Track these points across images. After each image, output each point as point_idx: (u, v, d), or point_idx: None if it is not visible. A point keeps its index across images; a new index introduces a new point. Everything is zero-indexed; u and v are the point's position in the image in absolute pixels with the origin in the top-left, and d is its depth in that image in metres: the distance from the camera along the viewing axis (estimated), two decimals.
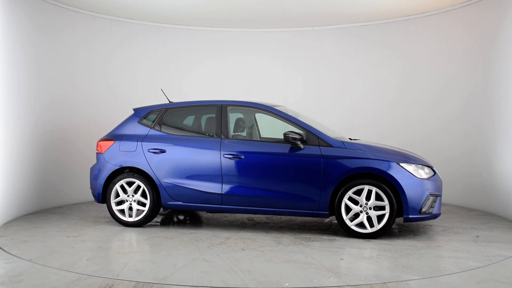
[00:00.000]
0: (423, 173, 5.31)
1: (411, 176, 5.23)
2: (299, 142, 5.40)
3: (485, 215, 6.65)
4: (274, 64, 9.13)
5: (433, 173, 5.43)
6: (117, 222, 6.02)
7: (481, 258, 4.48)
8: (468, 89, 7.50)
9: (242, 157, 5.61)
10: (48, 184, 7.18)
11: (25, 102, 6.62)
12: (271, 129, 6.41)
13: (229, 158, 5.64)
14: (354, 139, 6.26)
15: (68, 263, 4.29)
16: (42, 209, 7.01)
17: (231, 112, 5.96)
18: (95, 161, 6.32)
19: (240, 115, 6.12)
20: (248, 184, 5.59)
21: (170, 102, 6.38)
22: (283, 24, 8.88)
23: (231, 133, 5.82)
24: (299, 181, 5.43)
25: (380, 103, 8.62)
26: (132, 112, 6.43)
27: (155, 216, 6.03)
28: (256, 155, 5.60)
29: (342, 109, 8.82)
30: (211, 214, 6.73)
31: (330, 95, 8.92)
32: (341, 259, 4.47)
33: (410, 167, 5.27)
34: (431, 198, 5.27)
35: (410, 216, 5.18)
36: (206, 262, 4.37)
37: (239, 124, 6.06)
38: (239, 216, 6.59)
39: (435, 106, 8.02)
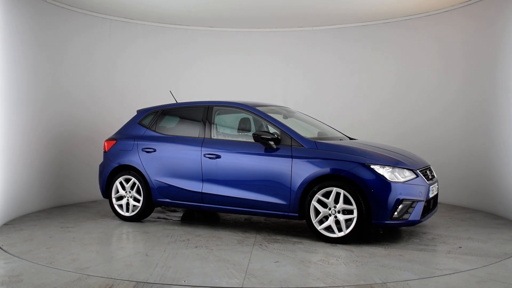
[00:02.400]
0: (399, 176, 4.96)
1: (381, 179, 4.88)
2: (271, 142, 5.33)
3: (485, 215, 6.65)
4: (274, 64, 9.12)
5: (414, 176, 5.05)
6: (117, 216, 6.38)
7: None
8: (468, 89, 7.45)
9: (220, 157, 5.65)
10: (49, 184, 7.18)
11: (25, 102, 6.61)
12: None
13: (208, 157, 5.70)
14: (352, 139, 6.32)
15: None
16: (42, 209, 7.00)
17: (218, 114, 6.02)
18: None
19: (245, 115, 6.04)
20: (225, 184, 5.61)
21: (176, 102, 6.52)
22: (283, 24, 8.87)
23: (214, 133, 5.87)
24: (271, 182, 5.32)
25: (380, 102, 8.65)
26: (135, 113, 6.77)
27: (151, 212, 6.30)
28: (232, 155, 5.60)
29: (342, 109, 8.85)
30: (227, 214, 6.77)
31: (330, 94, 8.95)
32: (276, 261, 4.37)
33: (381, 170, 4.93)
34: (406, 203, 4.91)
35: (378, 221, 4.87)
36: (142, 256, 4.55)
37: (244, 123, 5.98)
38: (241, 216, 6.60)
39: (435, 106, 8.04)
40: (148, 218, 6.46)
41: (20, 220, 6.22)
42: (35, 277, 3.92)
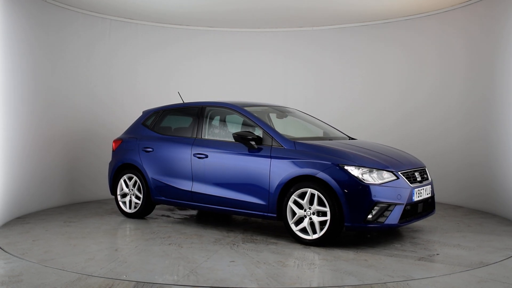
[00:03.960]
0: (375, 178, 4.80)
1: (355, 180, 4.74)
2: (252, 142, 5.33)
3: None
4: (274, 64, 9.15)
5: (393, 178, 4.87)
6: (121, 213, 6.67)
7: (449, 266, 4.31)
8: (468, 89, 7.39)
9: (207, 157, 5.73)
10: (50, 184, 7.26)
11: (26, 102, 6.65)
12: (288, 128, 6.41)
13: (197, 157, 5.80)
14: (352, 138, 6.25)
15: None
16: (42, 209, 7.06)
17: (209, 114, 6.11)
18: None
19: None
20: (212, 183, 5.68)
21: (182, 103, 6.70)
22: (283, 24, 8.87)
23: (206, 133, 5.97)
24: (252, 182, 5.32)
25: (380, 102, 8.58)
26: (140, 113, 7.07)
27: (152, 209, 6.53)
28: (219, 154, 5.66)
29: (342, 108, 8.82)
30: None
31: (330, 94, 8.93)
32: (231, 261, 4.39)
33: (356, 171, 4.79)
34: (381, 206, 4.72)
35: (351, 224, 4.73)
36: (110, 251, 4.76)
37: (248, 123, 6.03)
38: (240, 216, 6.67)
39: (436, 106, 7.94)
40: (153, 215, 6.69)
41: (20, 220, 6.28)
42: (35, 277, 3.94)
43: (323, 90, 8.98)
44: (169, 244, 5.04)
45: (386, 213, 4.76)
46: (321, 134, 6.21)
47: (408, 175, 5.10)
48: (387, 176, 4.87)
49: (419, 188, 5.12)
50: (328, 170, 4.85)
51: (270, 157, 5.24)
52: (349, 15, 8.21)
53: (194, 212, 6.99)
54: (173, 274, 4.02)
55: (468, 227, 5.98)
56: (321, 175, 4.85)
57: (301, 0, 7.42)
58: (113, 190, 6.72)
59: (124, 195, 6.61)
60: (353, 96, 8.80)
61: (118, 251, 4.78)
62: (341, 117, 8.60)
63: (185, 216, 6.69)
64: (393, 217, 4.78)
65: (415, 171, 5.28)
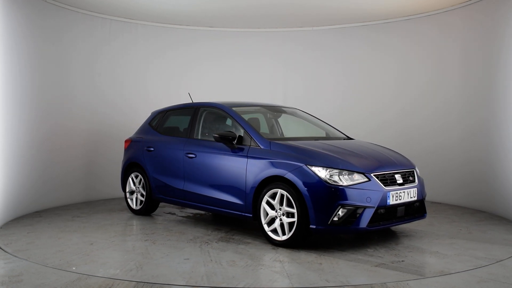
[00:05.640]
0: (345, 179, 4.66)
1: (320, 181, 4.63)
2: (234, 142, 5.37)
3: (484, 215, 6.26)
4: (274, 64, 9.13)
5: (364, 180, 4.71)
6: (129, 210, 6.99)
7: (444, 267, 4.20)
8: (468, 89, 7.36)
9: (196, 156, 5.84)
10: (50, 184, 7.27)
11: (26, 101, 6.64)
12: (295, 128, 6.53)
13: (188, 157, 5.93)
14: (349, 138, 6.16)
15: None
16: (42, 209, 7.10)
17: (203, 114, 6.20)
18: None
19: (254, 115, 6.15)
20: (199, 182, 5.80)
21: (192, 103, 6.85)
22: (283, 24, 8.84)
23: (199, 133, 6.09)
24: (231, 181, 5.38)
25: (380, 102, 8.54)
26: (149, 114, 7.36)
27: (155, 206, 6.78)
28: (205, 154, 5.75)
29: (342, 108, 8.77)
30: None
31: (330, 94, 8.88)
32: (186, 258, 4.48)
33: (323, 172, 4.68)
34: (348, 209, 4.57)
35: (317, 226, 4.62)
36: (84, 244, 4.99)
37: (252, 123, 5.98)
38: None
39: (434, 105, 7.91)
40: (161, 213, 6.91)
41: (20, 221, 6.30)
42: (35, 277, 3.96)
43: (323, 89, 8.97)
44: (145, 240, 5.24)
45: (354, 216, 4.60)
46: (317, 134, 6.16)
47: (384, 177, 4.87)
48: (357, 178, 4.72)
49: (399, 191, 4.87)
50: (296, 171, 4.79)
51: (247, 157, 5.26)
52: (349, 15, 8.14)
53: (202, 211, 7.12)
54: (117, 268, 4.20)
55: (469, 233, 5.65)
56: (289, 175, 4.81)
57: (301, 0, 7.36)
58: (123, 188, 7.04)
59: (132, 192, 6.90)
60: (353, 95, 8.79)
61: (93, 245, 5.03)
62: (341, 115, 8.61)
63: (189, 214, 6.85)
64: (362, 220, 4.62)
65: (397, 173, 5.02)
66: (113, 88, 8.35)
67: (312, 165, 4.76)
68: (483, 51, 6.99)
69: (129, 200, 6.92)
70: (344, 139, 6.02)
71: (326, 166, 4.73)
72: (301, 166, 4.79)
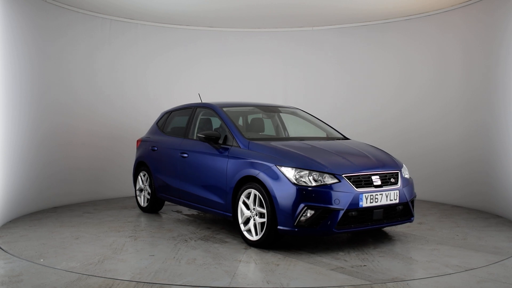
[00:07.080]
0: (313, 180, 4.57)
1: (287, 182, 4.58)
2: (215, 142, 5.45)
3: (485, 215, 6.12)
4: (274, 64, 9.07)
5: (334, 181, 4.58)
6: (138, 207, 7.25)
7: (451, 266, 4.20)
8: (469, 89, 7.31)
9: (188, 156, 5.94)
10: (50, 184, 7.33)
11: (26, 101, 6.68)
12: (300, 128, 6.50)
13: (182, 156, 6.05)
14: (345, 138, 6.08)
15: (41, 255, 4.46)
16: (42, 209, 7.15)
17: (199, 115, 6.31)
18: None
19: (257, 115, 6.22)
20: (190, 181, 5.91)
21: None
22: (283, 24, 8.76)
23: (194, 133, 6.18)
24: (214, 181, 5.45)
25: (380, 102, 8.44)
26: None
27: (160, 204, 6.97)
28: (195, 154, 5.85)
29: (343, 108, 8.68)
30: None
31: (331, 94, 8.79)
32: (151, 255, 4.56)
33: (291, 172, 4.62)
34: (315, 211, 4.48)
35: (284, 227, 4.59)
36: (69, 239, 5.18)
37: (256, 123, 6.13)
38: None
39: (434, 105, 7.79)
40: (169, 211, 7.11)
41: (20, 221, 6.33)
42: (35, 277, 3.96)
43: (323, 89, 8.89)
44: (129, 237, 5.44)
45: (321, 218, 4.51)
46: (316, 134, 6.12)
47: (358, 178, 4.70)
48: (328, 179, 4.61)
49: (375, 193, 4.69)
50: (267, 171, 4.78)
51: (228, 157, 5.31)
52: (349, 15, 8.04)
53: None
54: (79, 261, 4.39)
55: (463, 240, 5.35)
56: (261, 175, 4.82)
57: (301, 0, 7.31)
58: (135, 186, 7.32)
59: (141, 190, 7.15)
60: (353, 95, 8.70)
61: (78, 239, 5.29)
62: (342, 115, 8.55)
63: (194, 213, 6.97)
64: (329, 222, 4.52)
65: (374, 174, 4.82)
66: (113, 88, 8.43)
67: (281, 166, 4.72)
68: (484, 51, 6.91)
69: (138, 198, 7.16)
70: (338, 139, 5.88)
71: (295, 166, 4.68)
72: (271, 166, 4.76)
